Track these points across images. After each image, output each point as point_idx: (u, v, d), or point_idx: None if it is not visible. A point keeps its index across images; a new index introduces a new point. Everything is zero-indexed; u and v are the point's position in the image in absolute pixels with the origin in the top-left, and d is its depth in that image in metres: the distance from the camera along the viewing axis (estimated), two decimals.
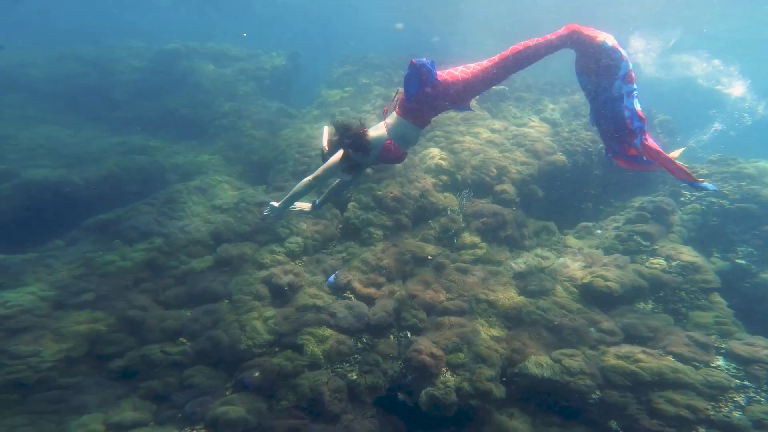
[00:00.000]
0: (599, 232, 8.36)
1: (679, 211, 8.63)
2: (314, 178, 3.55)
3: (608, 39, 3.23)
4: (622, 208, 9.26)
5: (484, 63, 3.39)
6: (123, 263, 6.59)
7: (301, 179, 3.57)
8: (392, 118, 3.62)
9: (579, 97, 11.58)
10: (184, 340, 5.62)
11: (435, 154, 8.56)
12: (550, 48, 3.33)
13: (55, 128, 11.06)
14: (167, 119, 13.01)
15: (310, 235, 7.29)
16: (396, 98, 3.67)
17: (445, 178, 8.15)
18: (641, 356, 5.13)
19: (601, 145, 9.57)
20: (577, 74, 3.65)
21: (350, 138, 3.46)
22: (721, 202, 8.52)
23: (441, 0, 25.78)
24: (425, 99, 3.39)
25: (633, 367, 5.01)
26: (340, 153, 3.53)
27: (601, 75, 3.31)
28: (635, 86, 3.30)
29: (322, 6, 33.60)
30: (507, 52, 3.32)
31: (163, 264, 6.63)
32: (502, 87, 11.30)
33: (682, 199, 9.26)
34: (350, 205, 7.76)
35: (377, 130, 3.65)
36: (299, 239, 7.17)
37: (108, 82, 13.98)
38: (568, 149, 9.22)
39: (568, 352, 5.39)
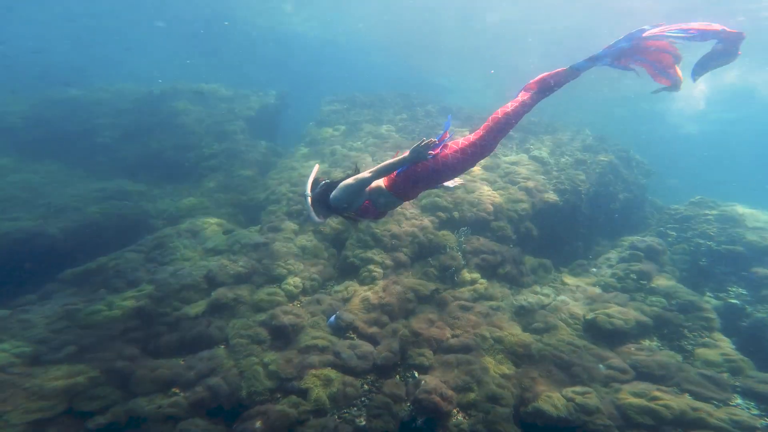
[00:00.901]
0: (594, 270, 8.43)
1: (668, 251, 8.82)
2: (373, 173, 3.19)
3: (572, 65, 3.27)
4: (612, 247, 9.40)
5: (471, 137, 3.29)
6: (110, 313, 6.18)
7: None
8: (378, 183, 3.38)
9: (563, 136, 12.02)
10: (177, 391, 5.23)
11: (431, 191, 8.60)
12: (526, 107, 3.31)
13: (31, 176, 10.57)
14: (153, 162, 12.59)
15: (309, 275, 7.09)
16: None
17: (442, 215, 8.15)
18: (658, 394, 5.02)
19: (589, 185, 9.88)
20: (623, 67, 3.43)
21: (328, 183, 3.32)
22: (708, 243, 8.75)
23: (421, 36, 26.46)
24: (413, 176, 3.22)
25: (652, 405, 4.87)
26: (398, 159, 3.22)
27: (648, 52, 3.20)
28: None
29: (307, 46, 34.43)
30: (488, 122, 3.27)
31: (154, 311, 6.26)
32: None
33: (669, 239, 9.48)
34: (348, 243, 7.65)
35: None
36: (297, 280, 6.94)
37: (91, 126, 13.39)
38: (558, 188, 9.42)
39: (581, 390, 5.24)
